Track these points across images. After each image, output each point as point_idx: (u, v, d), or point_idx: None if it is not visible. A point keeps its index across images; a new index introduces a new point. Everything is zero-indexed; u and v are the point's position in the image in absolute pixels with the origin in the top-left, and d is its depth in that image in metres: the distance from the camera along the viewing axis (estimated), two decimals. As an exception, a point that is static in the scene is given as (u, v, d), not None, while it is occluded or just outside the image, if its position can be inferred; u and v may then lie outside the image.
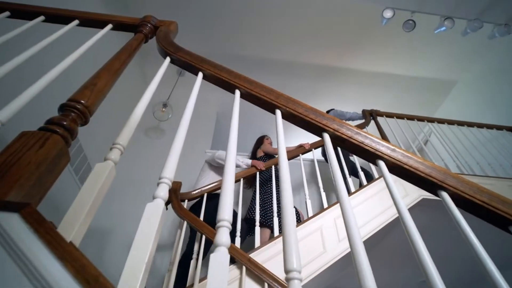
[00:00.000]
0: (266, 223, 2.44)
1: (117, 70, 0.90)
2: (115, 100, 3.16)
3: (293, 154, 2.74)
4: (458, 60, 4.17)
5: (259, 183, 2.51)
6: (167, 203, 2.11)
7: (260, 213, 2.34)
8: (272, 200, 2.44)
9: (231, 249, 1.73)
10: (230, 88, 1.04)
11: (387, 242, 2.53)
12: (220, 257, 0.48)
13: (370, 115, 3.23)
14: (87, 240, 0.65)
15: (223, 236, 0.51)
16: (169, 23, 1.27)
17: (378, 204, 2.27)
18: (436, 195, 0.75)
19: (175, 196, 2.06)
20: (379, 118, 3.18)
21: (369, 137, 0.81)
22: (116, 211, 3.10)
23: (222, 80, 1.03)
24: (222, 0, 3.42)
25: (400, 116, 3.24)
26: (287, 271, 0.48)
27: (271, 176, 2.46)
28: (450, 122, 3.36)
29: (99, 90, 0.76)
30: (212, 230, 1.83)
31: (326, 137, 0.84)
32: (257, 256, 1.84)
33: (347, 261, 1.97)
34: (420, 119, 3.28)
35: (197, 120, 4.14)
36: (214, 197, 2.35)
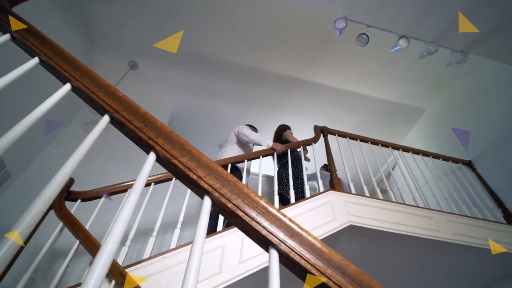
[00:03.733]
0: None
1: None
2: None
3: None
4: (427, 87, 4.08)
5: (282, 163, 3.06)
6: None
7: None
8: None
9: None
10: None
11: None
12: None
13: (320, 132, 3.03)
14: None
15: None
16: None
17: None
18: None
19: (59, 195, 1.78)
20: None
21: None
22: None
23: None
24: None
25: (363, 139, 3.05)
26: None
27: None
28: (415, 151, 3.20)
29: None
30: (89, 238, 1.56)
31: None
32: (137, 270, 1.58)
33: (245, 284, 1.72)
34: (385, 145, 3.09)
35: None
36: (234, 169, 2.67)
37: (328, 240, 2.12)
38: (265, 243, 0.53)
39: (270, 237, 0.51)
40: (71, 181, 1.93)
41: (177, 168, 0.60)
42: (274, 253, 0.51)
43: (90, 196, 1.93)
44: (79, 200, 1.89)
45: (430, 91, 4.06)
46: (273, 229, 0.52)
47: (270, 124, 4.51)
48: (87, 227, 1.74)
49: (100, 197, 1.95)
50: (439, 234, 2.28)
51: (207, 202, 0.56)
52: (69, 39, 3.10)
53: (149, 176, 1.96)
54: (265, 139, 2.97)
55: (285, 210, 2.11)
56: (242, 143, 3.11)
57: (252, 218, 0.53)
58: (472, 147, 3.40)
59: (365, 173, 3.67)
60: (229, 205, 0.54)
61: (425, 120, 4.44)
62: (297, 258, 0.49)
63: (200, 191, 0.58)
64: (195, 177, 0.58)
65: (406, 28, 2.57)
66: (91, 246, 1.54)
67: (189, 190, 2.15)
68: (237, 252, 1.77)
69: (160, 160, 0.63)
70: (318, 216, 2.14)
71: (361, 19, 2.54)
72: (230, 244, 1.80)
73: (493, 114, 3.24)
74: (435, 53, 2.68)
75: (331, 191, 2.31)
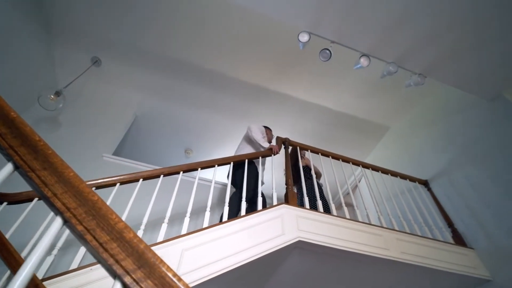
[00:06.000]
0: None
1: None
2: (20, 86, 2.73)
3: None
4: (391, 106, 4.18)
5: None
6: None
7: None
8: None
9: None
10: None
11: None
12: None
13: (282, 143, 3.02)
14: None
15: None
16: None
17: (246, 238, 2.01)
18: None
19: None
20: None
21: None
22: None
23: None
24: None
25: (325, 153, 3.05)
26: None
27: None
28: (375, 168, 3.24)
29: None
30: (6, 247, 1.43)
31: None
32: (60, 283, 1.46)
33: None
34: (345, 160, 3.10)
35: (106, 120, 3.75)
36: (241, 165, 2.70)
37: (276, 255, 2.09)
38: (112, 272, 0.47)
39: (116, 266, 0.46)
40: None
41: (32, 182, 0.53)
42: (117, 285, 0.45)
43: (19, 199, 1.79)
44: (5, 203, 1.74)
45: (394, 109, 4.17)
46: (121, 257, 0.46)
47: (235, 132, 4.47)
48: (9, 233, 1.60)
49: (31, 200, 1.81)
50: (387, 252, 2.30)
51: (56, 223, 0.49)
52: (24, 28, 2.91)
53: (114, 176, 1.85)
54: (264, 141, 3.08)
55: (233, 223, 2.06)
56: (251, 140, 3.19)
57: (100, 244, 0.47)
58: (430, 167, 3.50)
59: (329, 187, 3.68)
60: (79, 227, 0.48)
61: (389, 137, 4.55)
62: (141, 293, 0.44)
63: (54, 210, 0.52)
64: (49, 193, 0.51)
65: (368, 48, 2.62)
66: (8, 257, 1.41)
67: (133, 196, 2.05)
68: (174, 264, 1.68)
69: (19, 172, 0.56)
70: (267, 230, 2.09)
71: (325, 34, 2.57)
72: (168, 255, 1.71)
73: (448, 136, 3.36)
74: (397, 73, 2.76)
75: (283, 205, 2.28)
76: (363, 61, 2.61)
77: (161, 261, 0.47)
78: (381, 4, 2.23)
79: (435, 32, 2.43)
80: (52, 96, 2.93)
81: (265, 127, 3.46)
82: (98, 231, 0.48)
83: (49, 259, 1.59)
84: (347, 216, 2.48)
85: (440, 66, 2.71)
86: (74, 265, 1.59)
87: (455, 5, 2.20)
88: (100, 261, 0.47)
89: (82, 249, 1.67)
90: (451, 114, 3.43)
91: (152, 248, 1.70)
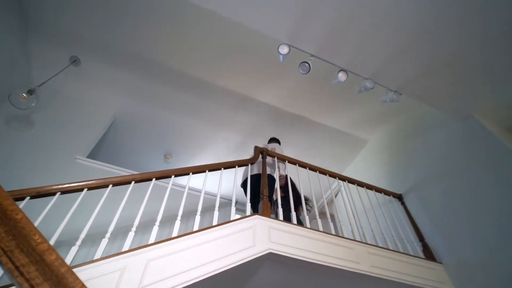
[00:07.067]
0: None
1: None
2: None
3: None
4: (370, 120, 4.25)
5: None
6: None
7: None
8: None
9: None
10: None
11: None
12: None
13: (260, 153, 3.02)
14: None
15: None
16: None
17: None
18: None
19: None
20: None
21: None
22: None
23: None
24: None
25: (302, 164, 3.07)
26: None
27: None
28: (351, 181, 3.27)
29: None
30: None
31: None
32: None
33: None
34: (322, 171, 3.13)
35: (83, 121, 3.64)
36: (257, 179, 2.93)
37: (247, 266, 2.07)
38: (26, 298, 0.44)
39: (31, 292, 0.43)
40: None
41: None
42: (30, 313, 0.42)
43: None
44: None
45: (373, 123, 4.25)
46: (38, 281, 0.44)
47: (216, 139, 4.45)
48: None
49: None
50: (358, 266, 2.31)
51: (-28, 242, 0.46)
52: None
53: (81, 181, 1.78)
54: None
55: (204, 233, 2.03)
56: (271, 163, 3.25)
57: (16, 267, 0.44)
58: (405, 181, 3.57)
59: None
60: (-4, 248, 0.45)
61: (367, 150, 4.63)
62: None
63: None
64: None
65: (346, 63, 2.68)
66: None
67: (101, 203, 1.99)
68: (137, 276, 1.63)
69: None
70: (238, 241, 2.07)
71: (305, 48, 2.60)
72: (132, 265, 1.66)
73: (422, 152, 3.45)
74: (376, 88, 2.83)
75: (256, 216, 2.27)
76: (341, 76, 2.66)
77: (82, 285, 0.45)
78: (359, 21, 2.29)
79: (410, 51, 2.50)
80: (24, 95, 2.82)
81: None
82: (17, 253, 0.45)
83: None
84: (321, 228, 2.49)
85: (414, 84, 2.79)
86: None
87: (428, 25, 2.28)
88: (15, 285, 0.45)
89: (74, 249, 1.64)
90: (426, 130, 3.53)
91: (116, 257, 1.66)
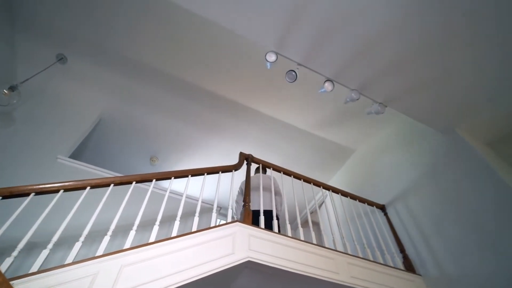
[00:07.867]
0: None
1: None
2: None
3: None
4: (356, 130, 4.29)
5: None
6: None
7: None
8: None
9: None
10: None
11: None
12: None
13: (245, 159, 3.01)
14: None
15: None
16: None
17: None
18: None
19: None
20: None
21: None
22: None
23: None
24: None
25: (287, 172, 3.07)
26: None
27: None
28: (335, 190, 3.28)
29: None
30: None
31: None
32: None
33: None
34: (307, 180, 3.13)
35: (67, 120, 3.56)
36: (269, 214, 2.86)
37: (226, 274, 2.04)
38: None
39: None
40: None
41: None
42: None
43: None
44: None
45: (360, 133, 4.29)
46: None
47: (203, 143, 4.42)
48: None
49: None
50: (337, 276, 2.31)
51: None
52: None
53: (56, 182, 1.74)
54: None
55: (183, 239, 2.00)
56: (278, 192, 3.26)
57: None
58: (388, 192, 3.61)
59: (290, 206, 3.67)
60: None
61: (354, 160, 4.67)
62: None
63: None
64: None
65: (333, 73, 2.70)
66: None
67: (77, 205, 1.94)
68: (109, 282, 1.59)
69: None
70: (217, 248, 2.05)
71: (292, 56, 2.62)
72: (104, 271, 1.62)
73: (405, 164, 3.50)
74: (362, 99, 2.86)
75: (237, 223, 2.25)
76: (327, 86, 2.68)
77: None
78: (347, 32, 2.32)
79: (396, 63, 2.55)
80: (5, 91, 2.76)
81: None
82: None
83: (9, 260, 1.48)
84: (302, 237, 2.48)
85: (399, 99, 2.84)
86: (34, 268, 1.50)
87: (415, 40, 2.33)
88: None
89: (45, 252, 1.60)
90: (410, 142, 3.58)
91: (88, 262, 1.62)
